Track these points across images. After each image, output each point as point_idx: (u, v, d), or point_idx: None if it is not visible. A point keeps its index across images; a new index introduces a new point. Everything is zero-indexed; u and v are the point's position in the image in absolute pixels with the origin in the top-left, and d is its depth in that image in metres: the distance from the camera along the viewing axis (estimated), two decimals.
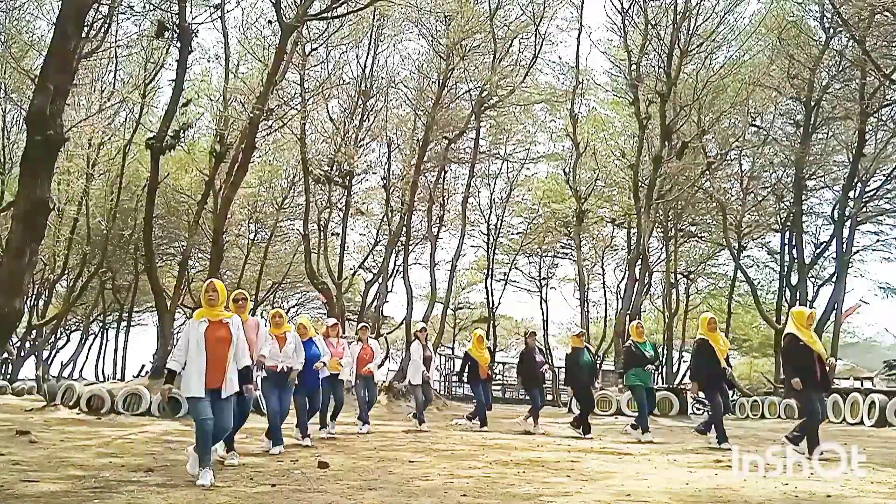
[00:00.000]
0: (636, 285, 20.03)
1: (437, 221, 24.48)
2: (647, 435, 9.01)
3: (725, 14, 18.94)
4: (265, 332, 6.65)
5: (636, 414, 9.77)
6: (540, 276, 32.36)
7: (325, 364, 7.89)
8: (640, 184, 19.38)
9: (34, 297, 25.97)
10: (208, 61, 18.64)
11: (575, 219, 23.39)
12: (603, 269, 31.11)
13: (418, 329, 11.56)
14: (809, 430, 6.97)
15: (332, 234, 23.65)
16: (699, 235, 27.39)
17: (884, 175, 20.96)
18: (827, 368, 7.06)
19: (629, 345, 9.47)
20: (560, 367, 18.55)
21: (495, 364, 30.35)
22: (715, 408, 8.05)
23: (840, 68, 19.31)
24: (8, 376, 24.54)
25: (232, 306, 6.11)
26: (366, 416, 9.90)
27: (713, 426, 8.08)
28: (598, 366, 15.12)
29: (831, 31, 18.86)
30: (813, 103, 19.93)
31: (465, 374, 11.18)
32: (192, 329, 5.18)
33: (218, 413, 5.05)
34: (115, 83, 20.47)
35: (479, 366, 10.88)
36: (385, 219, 23.84)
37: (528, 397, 11.63)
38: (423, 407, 10.72)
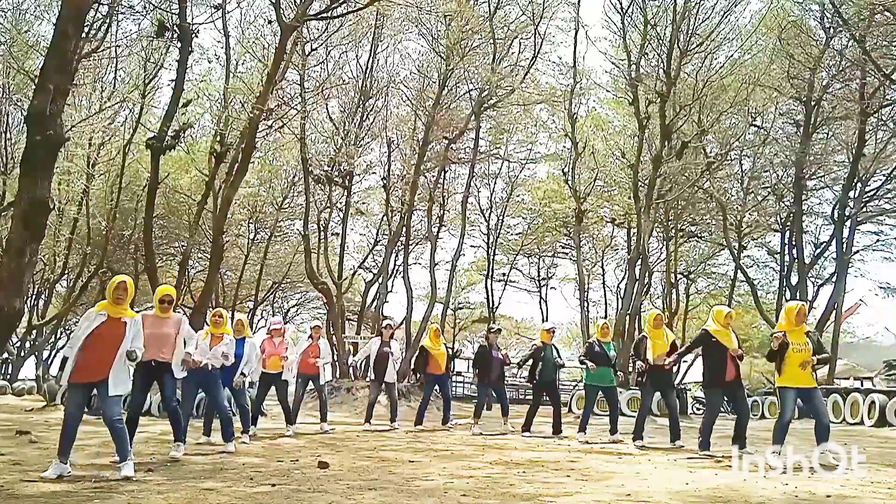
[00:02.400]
0: (636, 285, 20.03)
1: (437, 221, 24.46)
2: (583, 435, 9.08)
3: (725, 14, 18.91)
4: (188, 328, 6.56)
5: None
6: (540, 276, 32.37)
7: (244, 374, 7.89)
8: (640, 184, 19.37)
9: (34, 297, 25.97)
10: (208, 61, 18.62)
11: (575, 219, 23.38)
12: (603, 269, 31.12)
13: (382, 325, 11.58)
14: (704, 424, 7.37)
15: (332, 234, 23.64)
16: (699, 235, 27.37)
17: (884, 175, 20.94)
18: (739, 365, 7.43)
19: (592, 343, 9.53)
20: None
21: None
22: (641, 405, 8.59)
23: (840, 68, 19.30)
24: (8, 376, 24.55)
25: (157, 307, 6.32)
26: (294, 418, 9.58)
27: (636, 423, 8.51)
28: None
29: (831, 31, 18.86)
30: (813, 103, 19.92)
31: (418, 367, 11.23)
32: (87, 319, 5.34)
33: (104, 406, 5.25)
34: (115, 83, 20.49)
35: (431, 358, 10.88)
36: (385, 219, 23.83)
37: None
38: (372, 405, 10.89)
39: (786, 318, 6.73)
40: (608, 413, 9.63)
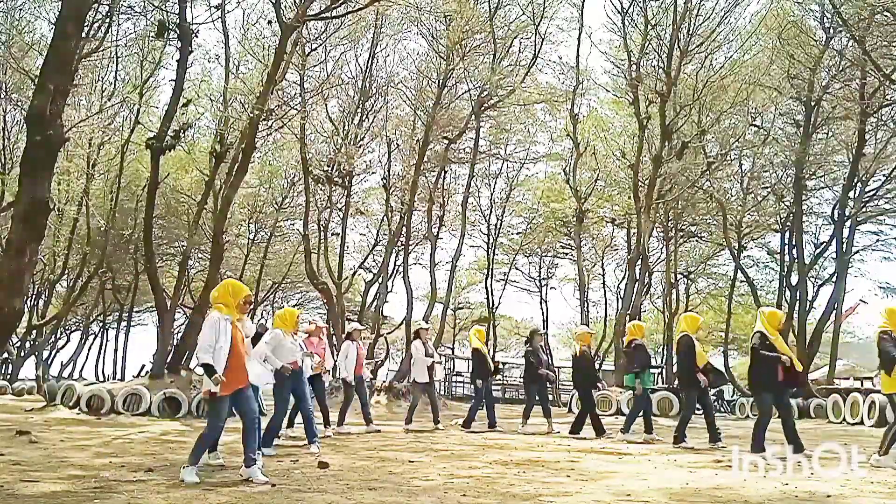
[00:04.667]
0: (636, 285, 20.03)
1: (437, 221, 24.48)
2: (649, 436, 9.03)
3: (725, 14, 18.93)
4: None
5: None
6: (540, 276, 32.37)
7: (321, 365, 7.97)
8: (640, 184, 19.37)
9: (34, 297, 25.98)
10: (208, 61, 18.62)
11: (575, 219, 23.39)
12: (603, 269, 31.13)
13: (422, 328, 11.49)
14: (757, 428, 7.10)
15: (332, 234, 23.65)
16: (699, 235, 27.38)
17: (884, 175, 20.92)
18: (796, 369, 7.16)
19: (642, 344, 9.27)
20: (560, 368, 18.29)
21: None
22: (687, 408, 8.54)
23: (840, 68, 19.29)
24: (8, 376, 24.54)
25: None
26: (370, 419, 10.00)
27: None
28: (600, 366, 15.13)
29: (831, 31, 18.86)
30: (813, 103, 19.91)
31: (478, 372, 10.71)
32: (223, 325, 5.14)
33: (249, 404, 5.29)
34: (115, 83, 20.50)
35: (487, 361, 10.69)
36: (385, 219, 23.84)
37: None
38: (414, 407, 10.71)
39: (888, 318, 6.58)
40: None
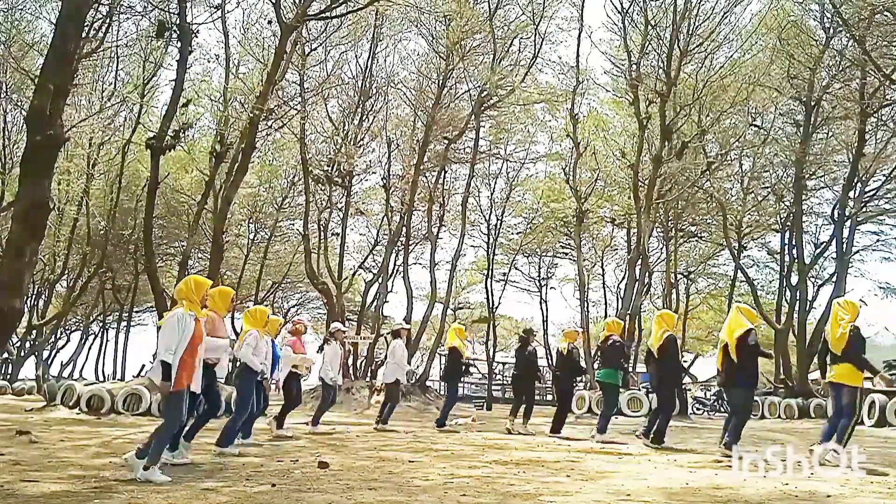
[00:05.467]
0: (636, 285, 20.03)
1: (437, 221, 24.48)
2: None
3: (725, 14, 18.94)
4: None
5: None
6: (540, 276, 32.36)
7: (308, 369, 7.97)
8: (640, 184, 19.37)
9: (34, 297, 25.99)
10: (208, 61, 18.67)
11: (575, 219, 23.38)
12: (603, 269, 31.13)
13: (402, 328, 11.44)
14: (742, 427, 7.11)
15: (332, 234, 23.66)
16: (699, 235, 27.38)
17: (884, 175, 20.95)
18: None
19: (619, 341, 9.38)
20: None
21: (495, 364, 30.42)
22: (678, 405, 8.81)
23: (840, 68, 19.31)
24: (8, 376, 24.57)
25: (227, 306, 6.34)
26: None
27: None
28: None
29: (831, 31, 18.88)
30: (813, 103, 19.92)
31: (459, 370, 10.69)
32: (187, 323, 5.20)
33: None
34: (115, 83, 20.52)
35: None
36: (385, 219, 23.84)
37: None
38: (393, 407, 10.65)
39: (850, 312, 6.65)
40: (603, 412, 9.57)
